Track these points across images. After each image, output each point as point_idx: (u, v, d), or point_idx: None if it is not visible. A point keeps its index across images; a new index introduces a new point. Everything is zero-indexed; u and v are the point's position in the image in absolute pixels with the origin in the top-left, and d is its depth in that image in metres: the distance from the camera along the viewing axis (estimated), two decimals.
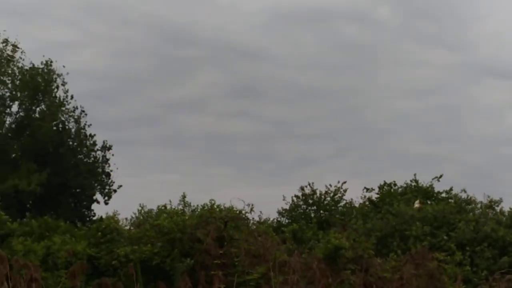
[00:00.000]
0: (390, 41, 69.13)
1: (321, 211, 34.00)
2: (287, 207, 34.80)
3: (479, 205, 29.98)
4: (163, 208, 27.72)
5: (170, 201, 30.40)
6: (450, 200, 30.84)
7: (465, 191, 30.96)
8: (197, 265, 21.64)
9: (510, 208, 29.05)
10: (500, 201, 29.97)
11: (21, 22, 59.33)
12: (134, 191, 52.13)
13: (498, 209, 29.57)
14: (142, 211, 33.58)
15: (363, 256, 22.26)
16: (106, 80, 66.28)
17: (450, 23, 69.74)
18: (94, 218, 37.73)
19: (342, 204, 34.28)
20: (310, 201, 34.57)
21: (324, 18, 69.03)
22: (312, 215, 34.15)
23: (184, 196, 31.52)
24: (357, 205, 33.91)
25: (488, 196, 30.09)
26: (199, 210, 29.39)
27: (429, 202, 30.64)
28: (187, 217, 24.40)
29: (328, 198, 34.46)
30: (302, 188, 34.70)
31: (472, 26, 69.48)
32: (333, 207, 34.06)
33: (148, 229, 23.28)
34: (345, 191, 34.46)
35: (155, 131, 67.41)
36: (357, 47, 68.09)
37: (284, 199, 34.77)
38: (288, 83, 68.72)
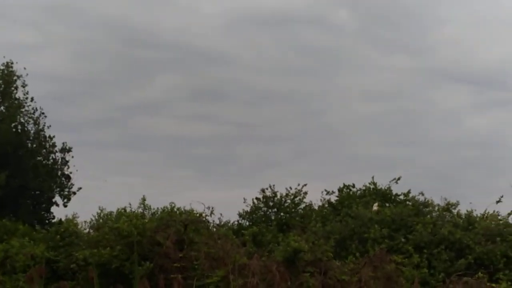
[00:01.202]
0: (349, 45, 69.66)
1: (281, 214, 34.04)
2: (248, 209, 34.84)
3: (436, 208, 30.21)
4: (122, 211, 27.56)
5: (130, 204, 30.25)
6: (408, 203, 31.04)
7: (422, 194, 31.17)
8: (157, 268, 21.64)
9: (467, 211, 29.33)
10: (457, 203, 30.13)
11: None
12: (94, 193, 51.54)
13: (455, 211, 29.76)
14: (102, 214, 33.27)
15: (322, 259, 22.43)
16: (66, 82, 65.93)
17: (409, 28, 70.41)
18: (53, 221, 37.48)
19: (302, 206, 34.37)
20: (271, 204, 34.58)
21: (284, 21, 69.32)
22: (273, 217, 34.18)
23: (144, 199, 31.28)
24: (316, 207, 34.05)
25: (446, 199, 30.29)
26: (159, 213, 29.29)
27: (387, 205, 30.81)
28: (147, 220, 24.35)
29: (289, 201, 34.50)
30: (263, 190, 34.71)
31: (431, 31, 70.19)
32: (293, 210, 34.12)
33: (107, 232, 23.14)
34: (305, 193, 34.49)
35: (116, 133, 67.16)
36: (317, 51, 68.56)
37: (245, 201, 34.80)
38: (249, 85, 68.97)
